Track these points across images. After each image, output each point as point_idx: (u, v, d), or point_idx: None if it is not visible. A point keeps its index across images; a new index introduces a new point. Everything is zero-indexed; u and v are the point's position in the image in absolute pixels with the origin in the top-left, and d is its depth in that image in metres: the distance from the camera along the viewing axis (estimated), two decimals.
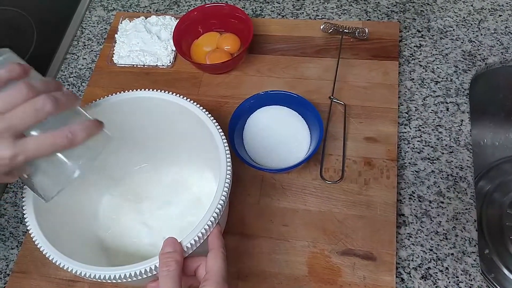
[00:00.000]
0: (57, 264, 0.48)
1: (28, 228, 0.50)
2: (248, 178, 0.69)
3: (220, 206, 0.49)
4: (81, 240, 0.61)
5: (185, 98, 0.59)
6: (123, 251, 0.63)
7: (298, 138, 0.70)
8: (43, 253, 0.48)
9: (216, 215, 0.49)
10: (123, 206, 0.67)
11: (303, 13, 0.87)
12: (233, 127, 0.69)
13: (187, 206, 0.66)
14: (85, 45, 0.89)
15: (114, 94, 0.60)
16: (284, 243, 0.64)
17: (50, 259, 0.48)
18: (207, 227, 0.48)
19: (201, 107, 0.58)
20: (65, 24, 0.92)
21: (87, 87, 0.82)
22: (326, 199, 0.67)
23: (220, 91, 0.79)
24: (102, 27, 0.91)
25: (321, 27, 0.82)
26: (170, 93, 0.59)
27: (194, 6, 0.90)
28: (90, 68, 0.85)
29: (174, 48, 0.82)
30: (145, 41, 0.83)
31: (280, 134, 0.71)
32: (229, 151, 0.54)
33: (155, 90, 0.60)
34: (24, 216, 0.51)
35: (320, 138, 0.66)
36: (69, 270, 0.47)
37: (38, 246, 0.49)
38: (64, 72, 0.85)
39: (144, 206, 0.67)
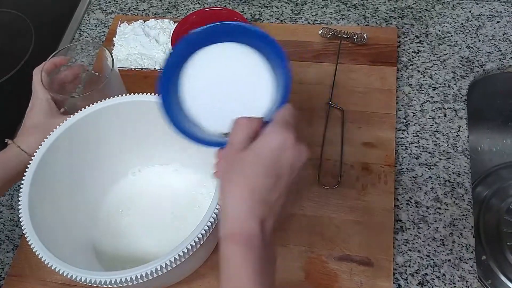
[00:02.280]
0: (53, 268, 0.47)
1: (24, 232, 0.50)
2: None
3: (215, 214, 0.49)
4: (76, 244, 0.61)
5: None
6: (117, 256, 0.63)
7: (257, 90, 0.47)
8: (40, 257, 0.48)
9: (213, 218, 0.49)
10: (119, 210, 0.67)
11: (301, 18, 0.87)
12: (166, 84, 0.46)
13: (184, 209, 0.66)
14: (82, 48, 0.88)
15: (111, 97, 0.60)
16: (281, 248, 0.64)
17: (45, 263, 0.48)
18: (204, 232, 0.48)
19: None
20: (63, 26, 0.92)
21: (83, 89, 0.81)
22: (324, 204, 0.67)
23: None
24: (100, 30, 0.91)
25: (320, 32, 0.82)
26: None
27: (192, 10, 0.90)
28: (88, 70, 0.85)
29: None
30: (144, 44, 0.83)
31: (232, 86, 0.47)
32: None
33: (152, 94, 0.60)
34: (20, 220, 0.51)
35: (287, 90, 0.45)
36: (65, 275, 0.47)
37: (34, 251, 0.49)
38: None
39: (139, 209, 0.67)
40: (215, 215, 0.50)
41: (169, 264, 0.46)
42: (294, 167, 0.39)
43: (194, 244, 0.47)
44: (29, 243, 0.49)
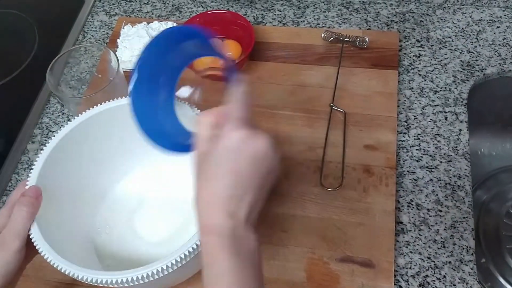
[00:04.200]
0: (58, 268, 0.48)
1: (29, 233, 0.50)
2: None
3: None
4: (78, 244, 0.61)
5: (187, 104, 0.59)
6: (119, 256, 0.63)
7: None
8: (45, 258, 0.49)
9: None
10: (120, 212, 0.67)
11: (304, 21, 0.88)
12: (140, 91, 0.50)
13: (184, 213, 0.66)
14: (86, 49, 0.89)
15: (111, 100, 0.60)
16: (283, 249, 0.64)
17: (51, 263, 0.48)
18: None
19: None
20: (67, 28, 0.92)
21: (87, 90, 0.82)
22: (325, 206, 0.67)
23: (220, 98, 0.79)
24: (104, 31, 0.91)
25: (322, 35, 0.82)
26: None
27: (196, 13, 0.91)
28: (91, 72, 0.85)
29: None
30: None
31: None
32: None
33: None
34: None
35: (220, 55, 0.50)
36: (71, 275, 0.47)
37: (40, 251, 0.49)
38: (66, 75, 0.85)
39: (141, 212, 0.67)
40: None
41: (174, 263, 0.47)
42: (256, 158, 0.40)
43: (192, 249, 0.47)
44: (34, 243, 0.49)
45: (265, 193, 0.42)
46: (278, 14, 0.89)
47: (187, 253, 0.47)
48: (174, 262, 0.47)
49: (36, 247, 0.49)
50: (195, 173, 0.41)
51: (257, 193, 0.40)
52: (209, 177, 0.40)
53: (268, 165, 0.40)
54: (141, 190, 0.68)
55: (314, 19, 0.88)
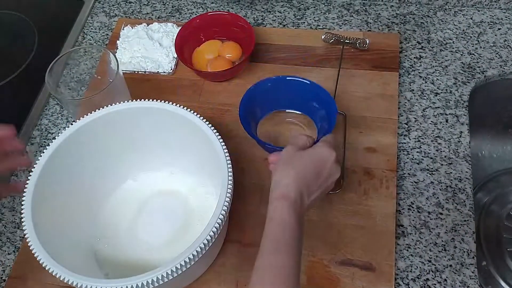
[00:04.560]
0: (57, 276, 0.47)
1: (27, 239, 0.50)
2: (248, 187, 0.69)
3: (222, 217, 0.49)
4: (77, 250, 0.61)
5: (185, 108, 0.59)
6: (118, 262, 0.63)
7: None
8: (41, 262, 0.48)
9: (215, 229, 0.49)
10: (120, 217, 0.67)
11: (304, 22, 0.88)
12: (245, 110, 0.69)
13: (185, 217, 0.66)
14: (86, 51, 0.89)
15: (111, 102, 0.60)
16: None
17: (46, 268, 0.48)
18: (207, 241, 0.48)
19: (202, 118, 0.58)
20: (66, 29, 0.92)
21: (86, 92, 0.81)
22: (326, 208, 0.67)
23: (221, 99, 0.79)
24: (103, 33, 0.91)
25: (322, 37, 0.82)
26: (170, 103, 0.60)
27: (195, 14, 0.90)
28: (91, 73, 0.85)
29: (175, 55, 0.83)
30: (147, 47, 0.83)
31: None
32: (230, 161, 0.54)
33: (154, 100, 0.60)
34: (22, 224, 0.51)
35: (332, 124, 0.66)
36: (69, 283, 0.47)
37: (37, 258, 0.49)
38: (66, 76, 0.85)
39: (141, 217, 0.67)
40: (220, 221, 0.50)
41: (174, 270, 0.46)
42: (329, 176, 0.55)
43: (196, 253, 0.47)
44: (32, 252, 0.49)
45: (323, 190, 0.55)
46: (278, 16, 0.89)
47: (187, 260, 0.47)
48: (174, 269, 0.46)
49: (34, 254, 0.48)
50: (283, 162, 0.55)
51: (316, 194, 0.54)
52: (301, 164, 0.54)
53: (329, 171, 0.55)
54: (141, 194, 0.68)
55: (315, 20, 0.88)
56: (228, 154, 0.56)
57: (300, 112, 0.75)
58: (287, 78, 0.72)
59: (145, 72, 0.83)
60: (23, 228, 0.51)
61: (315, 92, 0.70)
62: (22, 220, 0.52)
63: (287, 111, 0.76)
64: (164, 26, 0.86)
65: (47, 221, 0.52)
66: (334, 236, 0.64)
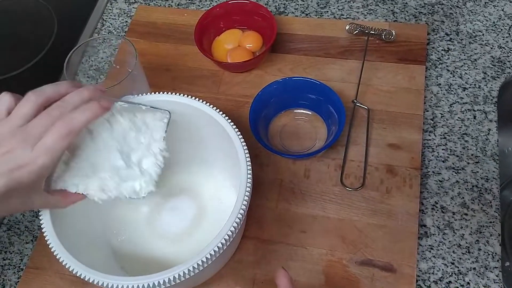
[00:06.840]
0: (71, 270, 0.47)
1: (45, 236, 0.49)
2: (266, 182, 0.68)
3: (241, 215, 0.48)
4: (95, 246, 0.61)
5: (204, 102, 0.58)
6: (136, 259, 0.62)
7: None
8: (58, 258, 0.48)
9: (236, 224, 0.48)
10: (138, 213, 0.66)
11: (327, 11, 0.85)
12: (255, 115, 0.68)
13: (204, 214, 0.65)
14: (105, 39, 0.88)
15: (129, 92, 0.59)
16: (301, 250, 0.63)
17: (63, 264, 0.47)
18: (228, 237, 0.47)
19: (221, 112, 0.56)
20: (85, 16, 0.91)
21: (105, 81, 0.81)
22: (346, 206, 0.65)
23: (240, 90, 0.77)
24: (123, 19, 0.90)
25: (346, 27, 0.80)
26: (189, 97, 0.58)
27: (216, 2, 0.88)
28: (110, 62, 0.84)
29: None
30: None
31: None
32: (249, 157, 0.53)
33: (173, 93, 0.59)
34: (40, 221, 0.51)
35: (342, 126, 0.65)
36: (86, 279, 0.46)
37: (55, 254, 0.48)
38: (84, 64, 0.84)
39: (160, 214, 0.66)
40: (241, 216, 0.49)
41: (196, 267, 0.46)
42: None
43: (217, 249, 0.46)
44: (49, 246, 0.49)
45: None
46: (300, 4, 0.87)
47: (209, 256, 0.46)
48: (196, 265, 0.46)
49: (51, 250, 0.48)
50: None
51: None
52: None
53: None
54: (158, 188, 0.67)
55: (338, 9, 0.85)
56: (247, 150, 0.54)
57: (310, 112, 0.74)
58: (293, 79, 0.71)
59: None
60: (40, 223, 0.51)
61: (323, 91, 0.70)
62: (40, 218, 0.51)
63: (295, 110, 0.74)
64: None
65: (62, 216, 0.52)
66: (354, 235, 0.63)
